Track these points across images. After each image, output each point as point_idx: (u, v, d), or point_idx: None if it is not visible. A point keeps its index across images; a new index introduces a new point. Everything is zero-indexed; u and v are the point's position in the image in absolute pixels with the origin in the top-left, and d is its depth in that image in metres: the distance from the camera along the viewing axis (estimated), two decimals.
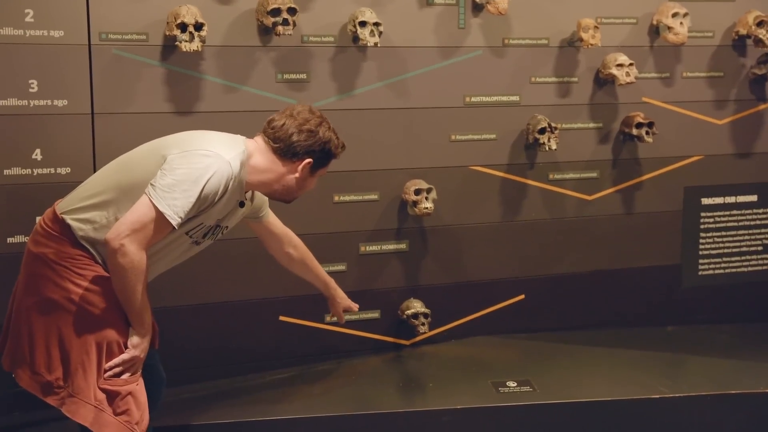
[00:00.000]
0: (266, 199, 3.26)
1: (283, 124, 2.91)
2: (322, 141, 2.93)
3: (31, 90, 3.71)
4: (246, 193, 2.97)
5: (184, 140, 2.84)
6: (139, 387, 2.82)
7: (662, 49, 4.74)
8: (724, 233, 5.06)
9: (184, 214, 2.67)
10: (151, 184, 2.67)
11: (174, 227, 2.68)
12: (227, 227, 3.03)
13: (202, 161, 2.69)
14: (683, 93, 4.82)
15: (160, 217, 2.64)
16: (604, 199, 4.78)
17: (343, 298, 3.72)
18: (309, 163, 2.92)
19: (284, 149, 2.89)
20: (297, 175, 2.92)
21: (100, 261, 2.81)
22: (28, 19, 3.67)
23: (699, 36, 4.77)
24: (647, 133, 4.61)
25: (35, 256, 2.82)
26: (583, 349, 4.59)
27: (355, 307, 3.76)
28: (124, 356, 2.78)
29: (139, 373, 2.84)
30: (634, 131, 4.62)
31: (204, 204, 2.72)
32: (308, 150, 2.91)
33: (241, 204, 2.96)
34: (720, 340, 4.83)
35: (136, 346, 2.81)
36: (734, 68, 4.90)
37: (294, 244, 3.52)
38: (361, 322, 4.44)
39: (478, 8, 4.39)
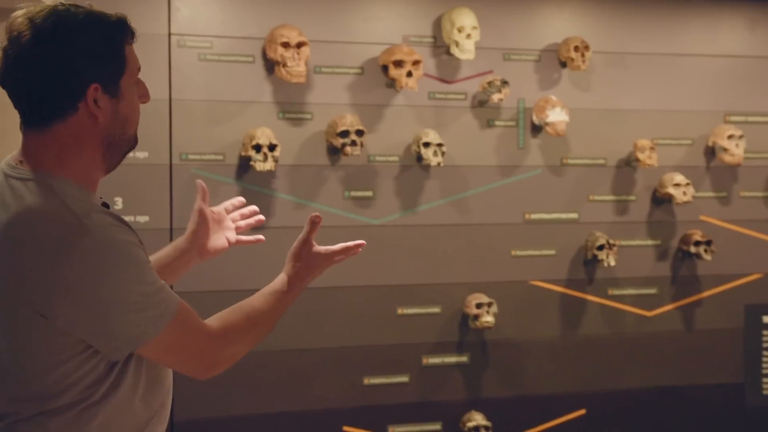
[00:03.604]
0: None
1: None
2: (74, 43, 1.58)
3: (115, 207, 3.96)
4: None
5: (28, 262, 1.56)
6: None
7: (719, 169, 4.84)
8: None
9: (162, 283, 1.69)
10: (123, 336, 1.61)
11: (176, 295, 1.72)
12: None
13: (84, 255, 1.54)
14: (741, 212, 4.90)
15: (174, 319, 1.67)
16: (664, 316, 4.82)
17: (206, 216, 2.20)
18: (97, 88, 1.63)
19: (46, 114, 1.63)
20: (99, 113, 1.65)
21: None
22: None
23: (755, 157, 4.87)
24: (706, 251, 4.68)
25: None
26: None
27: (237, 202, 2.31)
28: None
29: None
30: (693, 249, 4.69)
31: (143, 252, 1.67)
32: (73, 80, 1.61)
33: (104, 206, 1.76)
34: None
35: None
36: None
37: None
38: None
39: (537, 129, 4.57)
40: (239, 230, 2.26)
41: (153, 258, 2.04)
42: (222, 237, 2.22)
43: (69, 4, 1.63)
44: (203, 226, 2.18)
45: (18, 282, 1.55)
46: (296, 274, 1.97)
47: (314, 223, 2.00)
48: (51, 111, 1.62)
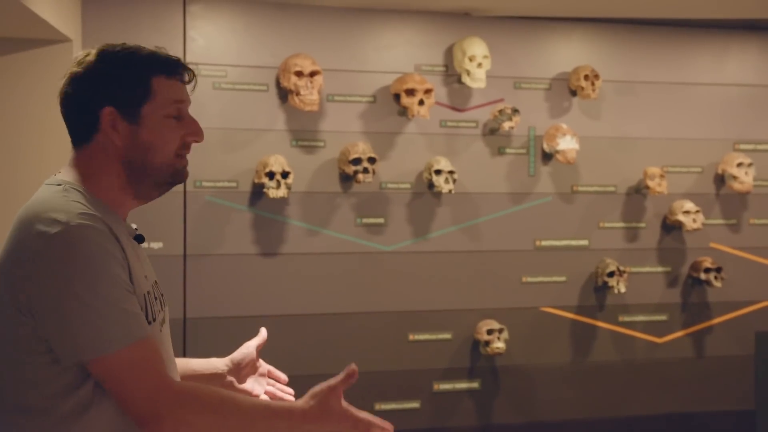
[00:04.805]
0: None
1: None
2: (96, 71, 1.70)
3: None
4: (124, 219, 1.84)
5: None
6: None
7: (728, 197, 4.87)
8: None
9: (132, 309, 1.63)
10: (71, 341, 1.57)
11: (147, 330, 1.65)
12: (155, 281, 1.88)
13: (54, 246, 1.56)
14: (751, 239, 4.92)
15: (132, 347, 1.59)
16: (674, 342, 4.83)
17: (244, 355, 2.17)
18: (111, 112, 1.70)
19: (75, 134, 1.75)
20: (115, 136, 1.71)
21: None
22: None
23: (764, 184, 4.90)
24: (716, 277, 4.70)
25: None
26: None
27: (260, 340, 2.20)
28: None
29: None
30: (703, 276, 4.71)
31: (123, 272, 1.64)
32: (89, 102, 1.71)
33: (138, 238, 1.87)
34: None
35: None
36: None
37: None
38: None
39: (547, 157, 4.61)
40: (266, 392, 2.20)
41: (186, 359, 2.07)
42: (254, 384, 2.19)
43: (131, 45, 1.76)
44: (250, 364, 2.16)
45: (4, 269, 1.62)
46: (305, 410, 1.75)
47: (350, 376, 1.75)
48: (78, 131, 1.73)
